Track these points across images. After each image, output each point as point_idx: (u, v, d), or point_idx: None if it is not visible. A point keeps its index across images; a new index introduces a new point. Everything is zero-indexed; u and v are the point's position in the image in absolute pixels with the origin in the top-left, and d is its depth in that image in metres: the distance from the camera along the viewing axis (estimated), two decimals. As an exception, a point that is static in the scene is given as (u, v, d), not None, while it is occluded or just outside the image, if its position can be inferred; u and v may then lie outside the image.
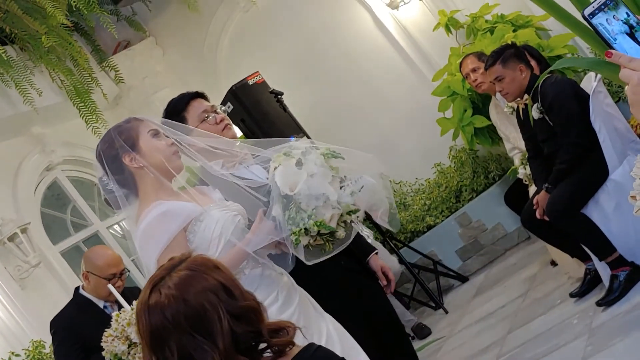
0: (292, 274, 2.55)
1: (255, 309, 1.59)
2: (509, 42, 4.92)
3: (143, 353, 1.60)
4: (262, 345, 1.58)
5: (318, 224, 2.30)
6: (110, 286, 3.89)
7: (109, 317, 3.95)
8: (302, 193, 2.30)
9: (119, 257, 4.12)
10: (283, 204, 2.31)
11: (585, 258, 4.41)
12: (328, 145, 2.46)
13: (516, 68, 4.47)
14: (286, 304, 2.45)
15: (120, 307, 4.12)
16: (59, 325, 4.05)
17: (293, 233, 2.29)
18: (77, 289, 4.12)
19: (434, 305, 6.25)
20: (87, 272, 4.03)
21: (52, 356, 4.84)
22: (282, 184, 2.31)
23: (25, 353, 5.00)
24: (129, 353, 3.23)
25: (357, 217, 2.43)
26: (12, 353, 5.02)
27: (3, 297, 5.49)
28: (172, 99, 3.08)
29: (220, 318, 1.53)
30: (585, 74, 4.99)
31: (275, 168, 2.35)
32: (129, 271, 4.32)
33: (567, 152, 4.25)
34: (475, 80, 5.39)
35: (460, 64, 5.57)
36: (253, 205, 2.47)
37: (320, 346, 1.60)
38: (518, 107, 4.62)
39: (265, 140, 2.55)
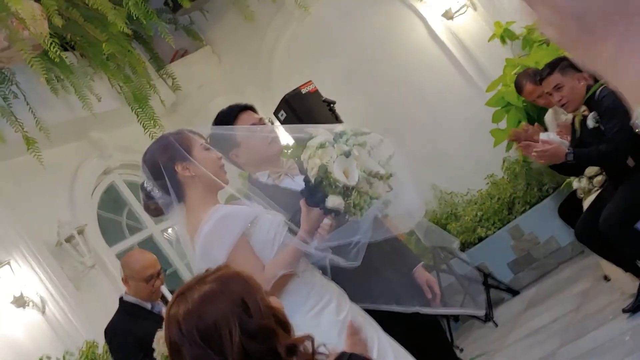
0: (338, 283, 2.59)
1: (271, 329, 1.61)
2: (563, 55, 4.85)
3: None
4: None
5: (378, 198, 2.40)
6: (164, 290, 3.99)
7: (159, 316, 4.05)
8: (360, 178, 2.35)
9: (154, 258, 4.23)
10: (342, 193, 2.35)
11: (639, 273, 4.33)
12: (348, 127, 2.52)
13: (574, 77, 4.38)
14: (339, 308, 2.48)
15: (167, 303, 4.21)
16: (113, 331, 4.13)
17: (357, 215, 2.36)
18: (121, 297, 4.23)
19: (483, 318, 6.20)
20: (126, 277, 4.15)
21: (105, 357, 4.95)
22: (340, 176, 2.35)
23: (80, 353, 5.11)
24: (179, 355, 3.28)
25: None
26: (67, 352, 5.13)
27: (59, 297, 5.62)
28: (221, 111, 3.14)
29: (231, 335, 1.56)
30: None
31: (325, 164, 2.38)
32: (165, 270, 4.42)
33: (608, 156, 4.18)
34: (545, 102, 5.27)
35: (521, 89, 5.46)
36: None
37: (352, 354, 1.62)
38: (574, 118, 4.53)
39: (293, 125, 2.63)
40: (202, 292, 1.62)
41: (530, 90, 5.36)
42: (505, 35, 6.41)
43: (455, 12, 6.80)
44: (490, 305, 6.39)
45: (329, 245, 2.47)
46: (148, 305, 4.15)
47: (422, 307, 3.00)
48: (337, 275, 2.61)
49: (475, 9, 6.78)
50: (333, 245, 2.48)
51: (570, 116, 4.73)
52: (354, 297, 2.64)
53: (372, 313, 2.66)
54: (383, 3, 7.20)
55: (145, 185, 2.58)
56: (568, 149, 4.24)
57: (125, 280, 4.17)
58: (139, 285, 4.11)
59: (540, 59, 5.76)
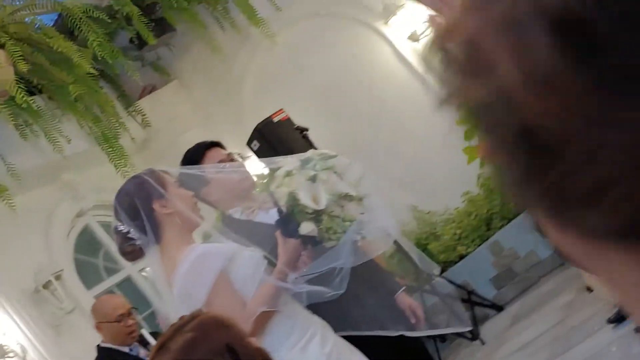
0: (320, 313, 2.56)
1: None
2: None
3: None
4: None
5: (353, 222, 2.40)
6: (144, 331, 3.94)
7: (137, 358, 4.01)
8: (329, 202, 2.33)
9: (122, 299, 4.26)
10: (313, 219, 2.33)
11: (621, 283, 4.34)
12: (315, 151, 2.52)
13: None
14: (324, 340, 2.46)
15: (145, 345, 4.17)
16: None
17: (334, 240, 2.35)
18: (97, 345, 4.19)
19: (470, 336, 6.18)
20: (98, 323, 4.13)
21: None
22: (308, 202, 2.34)
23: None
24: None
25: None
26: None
27: (39, 345, 5.53)
28: (189, 150, 3.13)
29: None
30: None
31: (293, 192, 2.36)
32: (136, 308, 4.44)
33: None
34: None
35: None
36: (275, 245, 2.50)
37: None
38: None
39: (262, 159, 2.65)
40: (184, 340, 1.58)
41: None
42: (472, 53, 6.45)
43: (421, 33, 6.85)
44: (476, 322, 6.37)
45: (311, 276, 2.45)
46: (126, 349, 4.11)
47: (407, 330, 2.99)
48: (317, 305, 2.58)
49: (440, 29, 6.82)
50: (315, 276, 2.46)
51: None
52: (336, 326, 2.61)
53: (356, 339, 2.64)
54: (349, 28, 7.23)
55: (119, 227, 2.53)
56: None
57: (98, 328, 4.15)
58: (113, 328, 4.10)
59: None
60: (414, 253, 3.00)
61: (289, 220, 2.35)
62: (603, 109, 0.35)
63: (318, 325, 2.51)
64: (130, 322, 4.14)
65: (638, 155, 0.35)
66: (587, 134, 0.35)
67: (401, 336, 2.99)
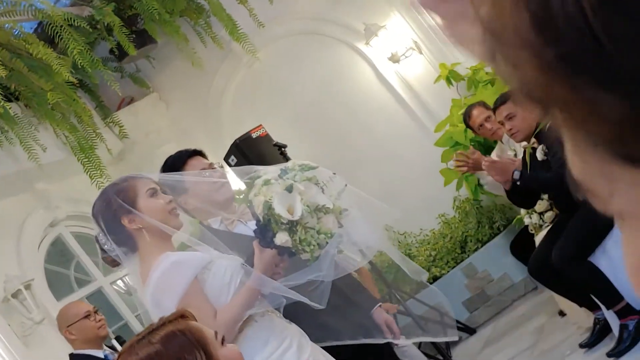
0: (300, 324, 2.55)
1: None
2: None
3: None
4: None
5: (328, 235, 2.36)
6: (114, 342, 3.89)
7: None
8: (304, 213, 2.33)
9: (85, 302, 4.23)
10: (287, 229, 2.33)
11: (593, 307, 4.36)
12: (296, 161, 2.52)
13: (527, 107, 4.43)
14: (300, 350, 2.45)
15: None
16: None
17: (308, 252, 2.33)
18: (70, 354, 4.15)
19: (442, 358, 6.17)
20: (67, 328, 4.10)
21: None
22: (282, 211, 2.33)
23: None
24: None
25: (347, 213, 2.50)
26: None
27: (7, 355, 5.44)
28: (170, 157, 3.11)
29: None
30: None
31: (268, 200, 2.36)
32: (99, 308, 4.44)
33: (551, 183, 4.22)
34: (492, 128, 5.30)
35: (469, 115, 5.49)
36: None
37: None
38: (524, 151, 4.57)
39: (243, 167, 2.64)
40: (148, 352, 1.57)
41: (477, 113, 5.39)
42: (451, 76, 6.51)
43: (401, 55, 6.91)
44: (448, 345, 6.37)
45: (291, 285, 2.44)
46: (100, 354, 4.07)
47: (393, 339, 3.00)
48: (297, 316, 2.58)
49: (420, 52, 6.89)
50: (294, 285, 2.45)
51: (514, 152, 4.80)
52: (318, 337, 2.61)
53: (332, 353, 2.63)
54: (330, 48, 7.27)
55: (99, 238, 2.54)
56: (515, 172, 4.30)
57: (68, 333, 4.11)
58: (83, 327, 4.08)
59: (485, 98, 5.84)
60: (402, 261, 2.99)
61: (266, 230, 2.34)
62: None
63: (295, 335, 2.50)
64: (99, 317, 4.15)
65: None
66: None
67: (379, 350, 3.00)
